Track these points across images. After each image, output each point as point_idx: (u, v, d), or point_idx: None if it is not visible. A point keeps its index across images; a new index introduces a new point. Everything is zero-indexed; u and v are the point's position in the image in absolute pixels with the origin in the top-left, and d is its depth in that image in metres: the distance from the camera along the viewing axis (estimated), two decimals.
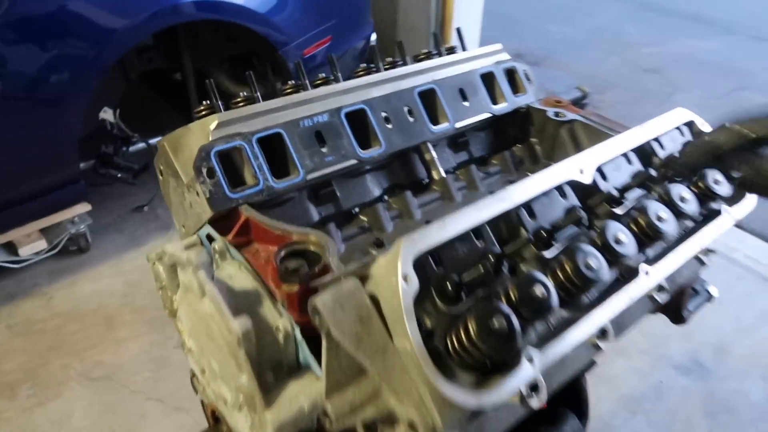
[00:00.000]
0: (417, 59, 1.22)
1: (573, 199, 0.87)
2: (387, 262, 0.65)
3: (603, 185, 0.90)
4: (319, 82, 1.08)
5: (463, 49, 1.28)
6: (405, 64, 1.17)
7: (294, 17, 2.97)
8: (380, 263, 0.67)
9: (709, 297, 1.25)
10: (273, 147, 0.95)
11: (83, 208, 2.89)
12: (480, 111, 1.19)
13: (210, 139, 0.89)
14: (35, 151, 2.47)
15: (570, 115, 1.23)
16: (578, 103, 1.34)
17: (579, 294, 0.73)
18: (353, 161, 1.01)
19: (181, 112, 3.49)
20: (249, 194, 0.89)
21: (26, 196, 2.55)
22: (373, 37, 3.68)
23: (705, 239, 0.88)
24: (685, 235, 0.87)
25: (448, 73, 1.18)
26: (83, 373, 2.52)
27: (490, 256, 0.70)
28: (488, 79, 1.23)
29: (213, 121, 0.90)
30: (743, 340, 2.65)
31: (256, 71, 3.43)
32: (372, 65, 1.13)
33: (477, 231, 0.75)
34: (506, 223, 0.80)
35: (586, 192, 0.88)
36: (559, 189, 0.85)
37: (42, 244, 2.88)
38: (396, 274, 0.64)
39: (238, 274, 0.81)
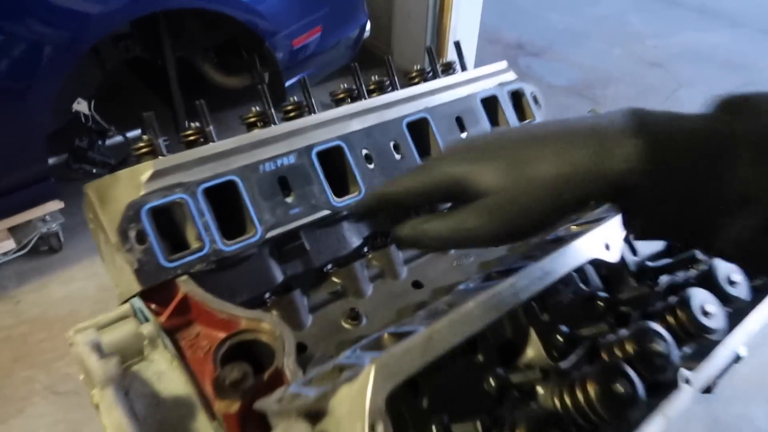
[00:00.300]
0: (409, 79, 1.03)
1: (594, 280, 0.70)
2: (351, 400, 0.48)
3: (632, 261, 0.72)
4: (290, 108, 0.90)
5: (462, 67, 1.10)
6: (393, 87, 0.99)
7: (282, 6, 2.77)
8: (342, 397, 0.49)
9: (738, 359, 1.09)
10: (226, 198, 0.77)
11: (55, 205, 2.70)
12: None
13: (142, 192, 0.71)
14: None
15: None
16: None
17: (603, 425, 0.56)
18: (325, 212, 0.83)
19: (166, 102, 3.28)
20: (190, 261, 0.72)
21: None
22: (368, 26, 3.47)
23: (753, 326, 0.72)
24: (731, 323, 0.71)
25: (444, 98, 1.00)
26: (49, 387, 2.36)
27: (491, 380, 0.53)
28: (491, 104, 1.05)
29: (147, 171, 0.72)
30: (748, 362, 2.52)
31: (243, 61, 3.25)
32: (354, 88, 0.95)
33: (472, 341, 0.58)
34: (512, 324, 0.63)
35: (610, 269, 0.71)
36: (579, 270, 0.68)
37: (10, 244, 2.70)
38: (362, 420, 0.47)
39: (168, 374, 0.64)
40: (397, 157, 0.91)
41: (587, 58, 5.09)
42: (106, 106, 2.92)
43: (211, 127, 0.82)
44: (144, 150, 0.78)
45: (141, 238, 0.69)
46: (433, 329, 0.52)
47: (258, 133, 0.82)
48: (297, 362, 0.60)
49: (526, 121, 1.09)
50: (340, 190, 0.86)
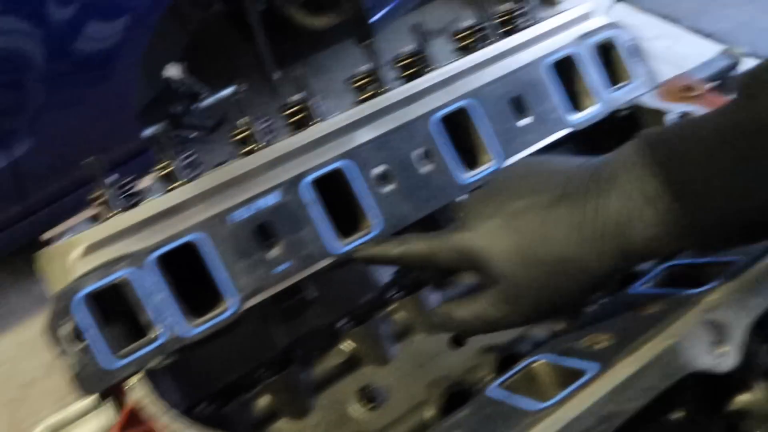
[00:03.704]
0: (458, 40, 0.77)
1: None
2: None
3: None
4: (293, 113, 0.69)
5: (526, 7, 0.79)
6: (425, 65, 0.73)
7: None
8: None
9: None
10: (190, 261, 0.60)
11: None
12: (549, 131, 0.74)
13: (74, 276, 0.56)
14: (88, 129, 2.31)
15: None
16: (726, 82, 0.83)
17: None
18: (325, 262, 0.63)
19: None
20: (144, 356, 0.57)
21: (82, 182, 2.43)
22: None
23: None
24: None
25: (494, 72, 0.73)
26: None
27: None
28: (566, 67, 0.76)
29: (77, 246, 0.57)
30: None
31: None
32: (372, 79, 0.71)
33: None
34: None
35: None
36: None
37: None
38: None
39: None
40: (427, 168, 0.68)
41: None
42: (196, 68, 2.87)
43: (181, 163, 0.64)
44: (98, 202, 0.62)
45: (76, 335, 0.55)
46: None
47: (229, 170, 0.63)
48: None
49: (622, 84, 0.78)
50: (348, 225, 0.66)
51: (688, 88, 0.79)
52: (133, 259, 0.57)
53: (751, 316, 0.44)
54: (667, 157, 0.45)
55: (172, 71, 2.79)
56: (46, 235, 0.67)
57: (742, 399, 0.48)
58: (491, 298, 0.53)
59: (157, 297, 0.58)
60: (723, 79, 0.83)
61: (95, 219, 0.61)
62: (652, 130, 0.49)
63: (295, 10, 3.21)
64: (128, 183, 0.64)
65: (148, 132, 2.85)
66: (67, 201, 2.35)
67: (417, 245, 0.58)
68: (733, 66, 0.84)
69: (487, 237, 0.53)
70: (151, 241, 0.58)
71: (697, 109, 0.75)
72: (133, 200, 0.63)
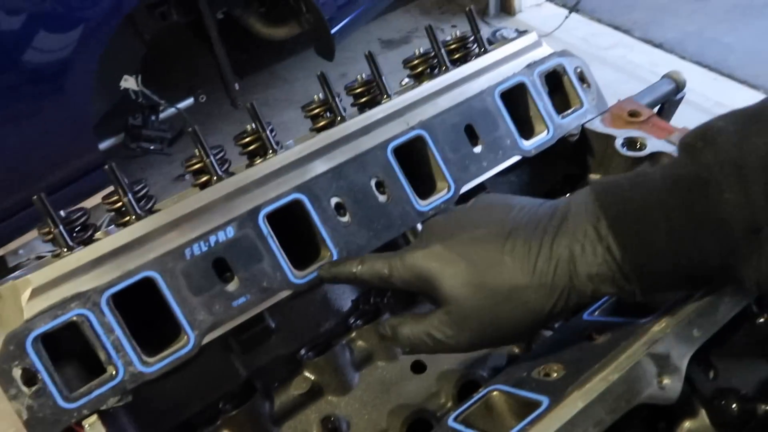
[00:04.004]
0: (411, 68, 0.78)
1: None
2: None
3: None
4: (248, 143, 0.69)
5: (476, 37, 0.81)
6: (381, 93, 0.75)
7: None
8: None
9: None
10: (147, 296, 0.60)
11: None
12: (502, 158, 0.76)
13: (25, 317, 0.55)
14: (43, 143, 2.25)
15: (653, 143, 0.77)
16: (669, 105, 0.87)
17: None
18: (283, 294, 0.64)
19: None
20: (100, 396, 0.56)
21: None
22: None
23: None
24: None
25: (446, 102, 0.74)
26: None
27: None
28: (517, 95, 0.78)
29: (29, 286, 0.56)
30: None
31: (290, 9, 3.01)
32: (324, 111, 0.72)
33: None
34: None
35: None
36: None
37: None
38: None
39: None
40: (382, 198, 0.69)
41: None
42: (154, 79, 2.82)
43: (132, 198, 0.64)
44: (48, 238, 0.61)
45: (29, 378, 0.54)
46: None
47: (185, 204, 0.62)
48: None
49: (571, 110, 0.81)
50: (308, 254, 0.66)
51: (635, 114, 0.82)
52: (87, 298, 0.57)
53: (692, 348, 0.47)
54: (614, 201, 0.48)
55: (130, 82, 2.74)
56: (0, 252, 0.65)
57: (688, 425, 0.50)
58: (436, 320, 0.54)
59: (112, 335, 0.57)
60: (666, 103, 0.87)
61: (52, 242, 0.60)
62: (605, 178, 0.53)
63: (255, 21, 3.19)
64: (79, 217, 0.63)
65: (106, 144, 2.80)
66: (21, 216, 2.29)
67: (376, 264, 0.59)
68: (677, 90, 0.88)
69: (441, 259, 0.54)
70: (106, 279, 0.58)
71: (643, 135, 0.78)
72: (85, 235, 0.63)
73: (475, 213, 0.59)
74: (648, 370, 0.46)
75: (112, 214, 0.65)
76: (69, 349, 0.57)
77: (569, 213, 0.51)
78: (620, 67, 3.26)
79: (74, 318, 0.56)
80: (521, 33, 0.84)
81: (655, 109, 0.88)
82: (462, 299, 0.52)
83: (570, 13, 3.70)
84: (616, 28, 3.68)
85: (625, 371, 0.46)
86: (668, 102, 0.87)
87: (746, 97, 3.05)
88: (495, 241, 0.53)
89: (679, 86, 0.88)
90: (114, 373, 0.57)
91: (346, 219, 0.67)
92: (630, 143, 0.78)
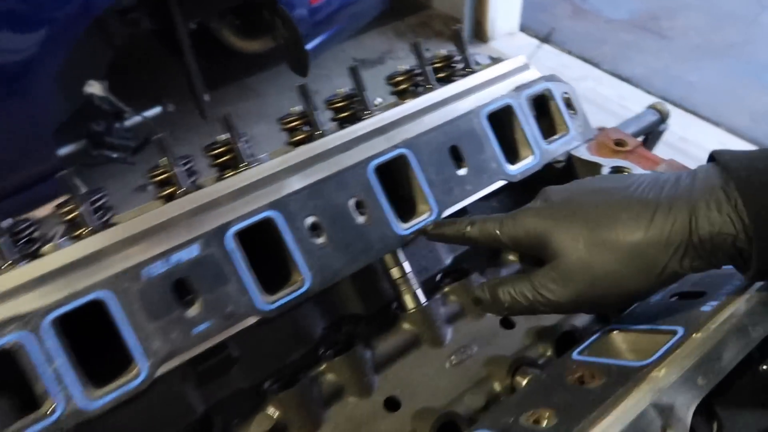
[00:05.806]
0: (395, 85, 0.75)
1: None
2: None
3: None
4: (219, 154, 0.64)
5: (463, 55, 0.79)
6: (363, 107, 0.71)
7: None
8: None
9: None
10: (97, 321, 0.53)
11: None
12: (487, 181, 0.72)
13: None
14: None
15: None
16: (653, 136, 0.86)
17: None
18: (250, 320, 0.58)
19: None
20: None
21: None
22: None
23: None
24: None
25: (431, 121, 0.71)
26: None
27: None
28: (503, 118, 0.75)
29: None
30: None
31: (265, 23, 2.97)
32: (303, 124, 0.68)
33: None
34: None
35: None
36: None
37: None
38: None
39: None
40: (360, 219, 0.64)
41: None
42: (121, 85, 2.73)
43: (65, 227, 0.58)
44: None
45: None
46: None
47: (146, 218, 0.57)
48: None
49: (557, 136, 0.78)
50: (279, 277, 0.61)
51: (621, 143, 0.80)
52: (27, 320, 0.50)
53: (697, 397, 0.43)
54: (743, 167, 0.48)
55: (95, 87, 2.64)
56: None
57: None
58: (541, 275, 0.54)
59: (53, 364, 0.50)
60: (651, 134, 0.86)
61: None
62: (727, 150, 0.51)
63: (229, 33, 3.15)
64: (25, 228, 0.57)
65: (66, 150, 2.69)
66: None
67: (486, 223, 0.60)
68: (660, 121, 0.86)
69: (554, 216, 0.55)
70: (50, 300, 0.51)
71: (630, 165, 0.76)
72: (31, 248, 0.56)
73: (592, 181, 0.59)
74: (653, 422, 0.42)
75: (65, 225, 0.59)
76: (3, 379, 0.51)
77: (695, 176, 0.50)
78: (590, 99, 3.32)
79: (11, 343, 0.49)
80: (495, 60, 0.82)
81: (639, 139, 0.86)
82: (570, 252, 0.52)
83: (541, 43, 3.77)
84: (586, 60, 3.75)
85: (628, 424, 0.42)
86: (652, 133, 0.86)
87: (709, 133, 3.14)
88: (611, 199, 0.53)
89: (663, 117, 0.87)
90: (53, 407, 0.50)
91: (321, 240, 0.62)
92: (617, 172, 0.75)
